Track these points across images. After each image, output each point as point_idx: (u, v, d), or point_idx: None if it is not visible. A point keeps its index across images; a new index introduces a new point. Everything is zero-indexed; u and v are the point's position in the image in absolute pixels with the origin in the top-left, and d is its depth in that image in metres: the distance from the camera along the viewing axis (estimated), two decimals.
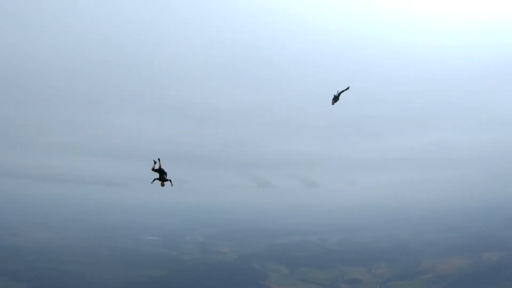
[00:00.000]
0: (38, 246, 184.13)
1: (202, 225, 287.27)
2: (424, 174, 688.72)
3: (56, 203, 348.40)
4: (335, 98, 27.69)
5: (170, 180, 22.36)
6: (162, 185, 22.34)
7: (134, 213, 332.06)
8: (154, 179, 22.04)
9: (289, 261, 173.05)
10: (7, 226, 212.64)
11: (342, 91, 26.99)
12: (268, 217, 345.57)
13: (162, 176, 22.14)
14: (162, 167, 22.00)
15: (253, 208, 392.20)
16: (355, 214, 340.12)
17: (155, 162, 21.80)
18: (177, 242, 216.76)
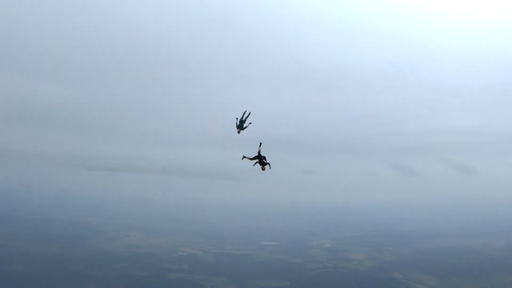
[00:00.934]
0: (132, 251, 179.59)
1: (331, 227, 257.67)
2: None
3: (160, 201, 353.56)
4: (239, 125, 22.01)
5: (269, 164, 21.08)
6: (263, 169, 21.16)
7: (248, 212, 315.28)
8: (244, 157, 20.88)
9: (438, 270, 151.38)
10: (100, 230, 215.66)
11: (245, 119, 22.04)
12: (412, 215, 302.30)
13: (261, 160, 21.10)
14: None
15: (393, 205, 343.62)
16: None
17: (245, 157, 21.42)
18: (301, 248, 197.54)
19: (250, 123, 21.45)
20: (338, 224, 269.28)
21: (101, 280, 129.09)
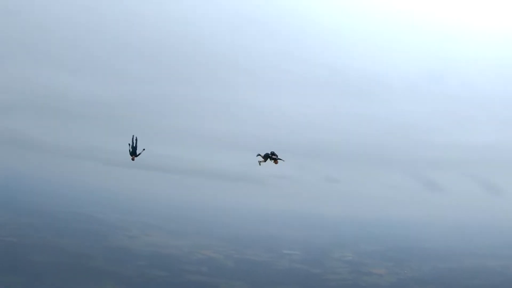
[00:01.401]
0: (154, 250, 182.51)
1: (352, 239, 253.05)
2: None
3: (184, 202, 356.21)
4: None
5: (281, 158, 21.70)
6: (276, 162, 21.73)
7: (271, 219, 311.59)
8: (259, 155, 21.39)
9: None
10: (122, 226, 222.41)
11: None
12: (435, 232, 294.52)
13: (273, 157, 21.46)
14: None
15: (416, 220, 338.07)
16: None
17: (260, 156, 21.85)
18: (322, 259, 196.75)
19: (143, 149, 20.33)
20: (360, 236, 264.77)
21: (119, 277, 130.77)
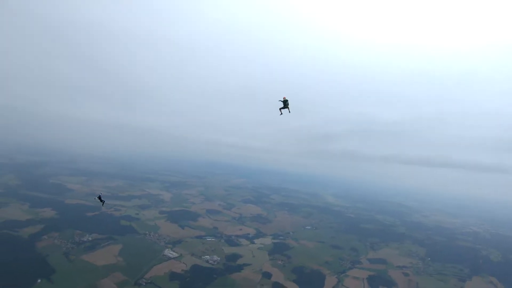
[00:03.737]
0: (437, 225, 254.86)
1: None
2: None
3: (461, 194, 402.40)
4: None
5: (288, 108, 27.15)
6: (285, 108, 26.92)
7: None
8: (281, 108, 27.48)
9: None
10: (419, 210, 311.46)
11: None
12: None
13: (286, 105, 27.11)
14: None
15: None
16: None
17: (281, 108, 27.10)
18: None
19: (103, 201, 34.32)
20: None
21: (415, 239, 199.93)
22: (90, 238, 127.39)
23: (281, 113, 29.84)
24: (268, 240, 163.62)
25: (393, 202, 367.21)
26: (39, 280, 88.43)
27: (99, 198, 44.85)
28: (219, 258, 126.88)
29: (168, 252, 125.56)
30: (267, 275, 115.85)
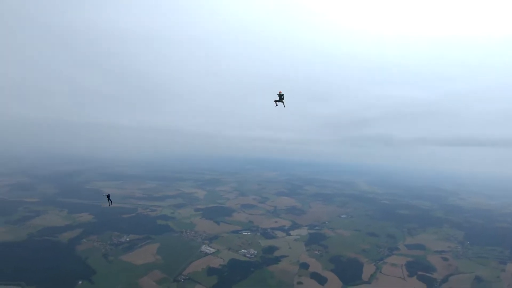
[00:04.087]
0: (475, 207, 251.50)
1: None
2: None
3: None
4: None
5: (283, 102, 28.18)
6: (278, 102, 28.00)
7: None
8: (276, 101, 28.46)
9: None
10: (456, 193, 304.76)
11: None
12: None
13: (281, 99, 27.81)
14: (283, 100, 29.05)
15: None
16: None
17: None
18: None
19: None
20: None
21: (453, 223, 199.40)
22: (128, 239, 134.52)
23: (276, 105, 30.90)
24: (304, 231, 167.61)
25: (429, 186, 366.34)
26: (80, 282, 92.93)
27: (108, 197, 47.07)
28: (256, 251, 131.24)
29: (205, 248, 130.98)
30: (305, 266, 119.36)
